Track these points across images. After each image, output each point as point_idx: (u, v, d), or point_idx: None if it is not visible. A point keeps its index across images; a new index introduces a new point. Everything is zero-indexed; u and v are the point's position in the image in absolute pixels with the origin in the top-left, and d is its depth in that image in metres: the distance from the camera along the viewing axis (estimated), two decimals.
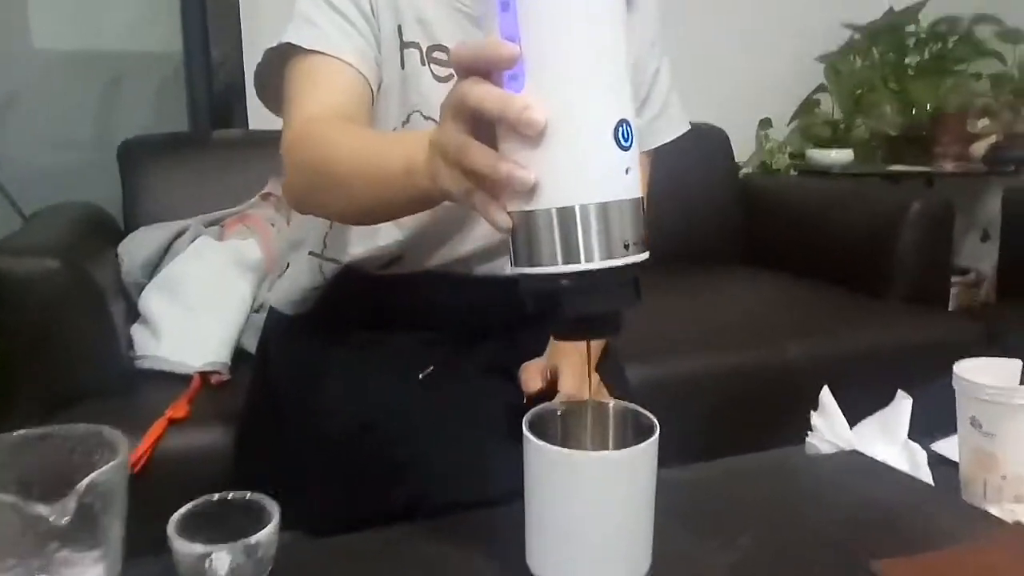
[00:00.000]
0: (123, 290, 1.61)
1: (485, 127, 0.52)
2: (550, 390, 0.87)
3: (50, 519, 0.49)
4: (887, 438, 0.86)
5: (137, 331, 1.55)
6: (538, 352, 0.93)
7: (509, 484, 0.61)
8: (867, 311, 1.89)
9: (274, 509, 0.59)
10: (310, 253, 0.99)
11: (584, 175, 0.51)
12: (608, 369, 0.99)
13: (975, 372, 0.76)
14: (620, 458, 0.58)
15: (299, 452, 0.98)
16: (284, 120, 0.82)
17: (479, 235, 0.94)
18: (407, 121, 0.90)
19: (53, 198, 1.81)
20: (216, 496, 0.61)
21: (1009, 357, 0.78)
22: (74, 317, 1.34)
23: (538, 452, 0.58)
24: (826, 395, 0.91)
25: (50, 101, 2.14)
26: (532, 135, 0.50)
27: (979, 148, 2.47)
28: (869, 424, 0.89)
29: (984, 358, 0.78)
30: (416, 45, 0.88)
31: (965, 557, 0.64)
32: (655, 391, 0.96)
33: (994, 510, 0.74)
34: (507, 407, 0.79)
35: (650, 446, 0.58)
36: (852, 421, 0.90)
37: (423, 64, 0.88)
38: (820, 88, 2.72)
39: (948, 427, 0.81)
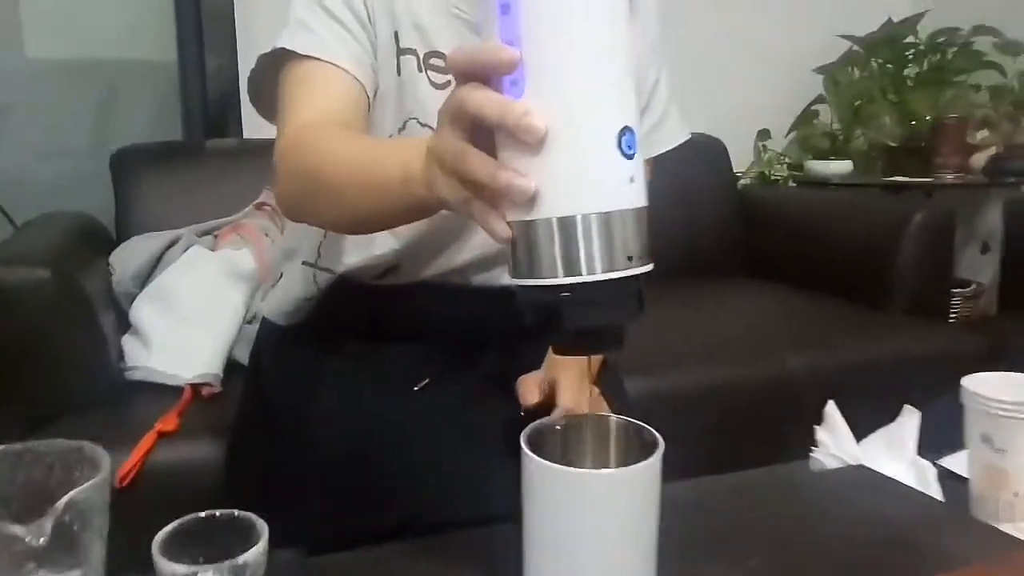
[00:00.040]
0: (114, 300, 1.60)
1: (484, 134, 0.51)
2: (548, 403, 0.86)
3: (26, 539, 0.47)
4: (894, 454, 0.85)
5: (128, 342, 1.54)
6: (536, 365, 0.91)
7: (505, 501, 0.59)
8: (867, 323, 1.89)
9: (263, 528, 0.57)
10: (304, 263, 0.98)
11: (586, 184, 0.49)
12: (607, 381, 0.97)
13: (983, 386, 0.75)
14: (624, 476, 0.56)
15: (292, 464, 0.96)
16: (278, 127, 0.81)
17: (477, 244, 0.93)
18: (403, 128, 0.88)
19: (45, 207, 1.80)
20: (203, 514, 0.58)
21: (1013, 370, 0.77)
22: (64, 327, 1.33)
23: (538, 469, 0.56)
24: (832, 409, 0.89)
25: (43, 110, 2.13)
26: (532, 142, 0.48)
27: (979, 159, 2.46)
28: (875, 439, 0.87)
29: (992, 372, 0.77)
30: (413, 51, 0.87)
31: None
32: (654, 404, 0.95)
33: (1006, 528, 0.72)
34: (504, 421, 0.77)
35: (654, 463, 0.56)
36: (854, 434, 0.88)
37: (420, 71, 0.87)
38: (819, 99, 2.72)
39: (953, 442, 0.80)
